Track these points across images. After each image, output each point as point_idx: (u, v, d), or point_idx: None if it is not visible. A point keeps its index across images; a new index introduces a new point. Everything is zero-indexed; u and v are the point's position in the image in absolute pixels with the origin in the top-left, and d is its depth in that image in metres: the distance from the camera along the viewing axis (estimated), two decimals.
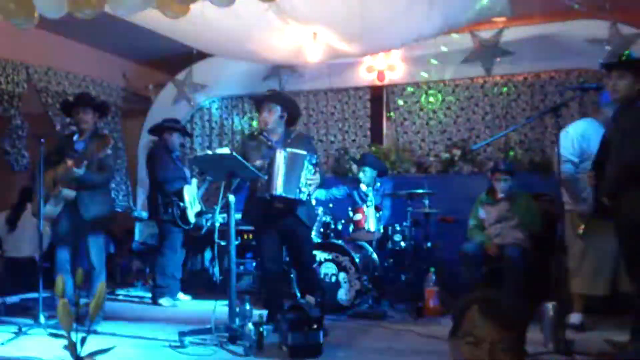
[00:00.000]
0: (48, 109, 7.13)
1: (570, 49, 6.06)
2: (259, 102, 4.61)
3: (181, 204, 5.79)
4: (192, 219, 5.86)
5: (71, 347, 1.65)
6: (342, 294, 5.22)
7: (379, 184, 5.97)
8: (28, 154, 6.81)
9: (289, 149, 4.35)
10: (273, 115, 4.49)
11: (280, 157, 4.31)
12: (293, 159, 4.32)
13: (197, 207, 6.00)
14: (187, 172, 6.08)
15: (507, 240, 5.14)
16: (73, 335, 1.68)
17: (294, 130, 4.69)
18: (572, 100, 5.88)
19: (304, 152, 4.33)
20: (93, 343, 2.05)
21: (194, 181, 6.05)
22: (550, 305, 3.87)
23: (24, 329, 4.35)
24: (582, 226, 4.30)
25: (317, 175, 4.36)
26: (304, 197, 4.33)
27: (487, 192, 5.40)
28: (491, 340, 1.60)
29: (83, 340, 1.65)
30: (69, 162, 4.54)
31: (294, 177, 4.30)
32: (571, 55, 6.11)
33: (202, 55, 7.12)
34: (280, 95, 4.66)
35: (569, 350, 3.58)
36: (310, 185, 4.33)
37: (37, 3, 3.69)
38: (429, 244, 5.61)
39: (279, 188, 4.29)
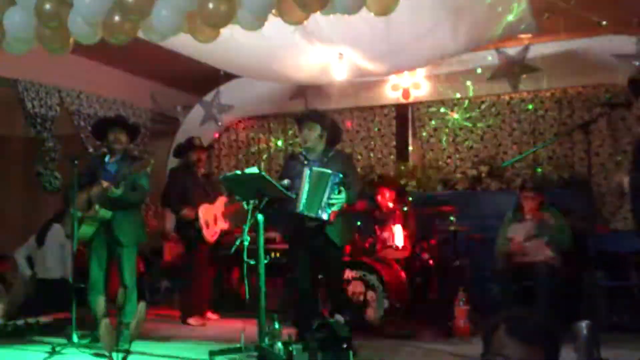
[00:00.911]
0: (80, 131, 7.28)
1: (597, 64, 6.02)
2: (300, 120, 4.69)
3: (196, 223, 5.83)
4: (210, 238, 5.89)
5: None
6: (371, 313, 5.20)
7: (410, 198, 5.96)
8: (60, 176, 6.94)
9: (314, 167, 4.39)
10: (312, 134, 4.56)
11: (305, 174, 4.36)
12: (317, 177, 4.35)
13: (222, 226, 6.03)
14: (212, 190, 6.13)
15: (537, 258, 5.08)
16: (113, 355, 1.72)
17: (334, 149, 4.72)
18: (601, 116, 5.81)
19: (329, 171, 4.35)
20: None
21: (221, 199, 6.09)
22: (583, 324, 3.81)
23: (57, 349, 4.41)
24: None
25: (343, 195, 4.37)
26: (326, 216, 4.34)
27: (515, 209, 5.36)
28: (519, 358, 1.59)
29: (126, 357, 1.69)
30: (105, 183, 4.63)
31: (316, 195, 4.33)
32: (598, 70, 6.07)
33: (229, 77, 7.23)
34: (319, 115, 4.71)
35: None
36: (333, 204, 4.35)
37: (72, 30, 3.81)
38: (457, 262, 5.57)
39: (300, 205, 4.34)
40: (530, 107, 6.59)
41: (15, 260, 6.49)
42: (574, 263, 5.15)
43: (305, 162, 4.55)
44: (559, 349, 1.74)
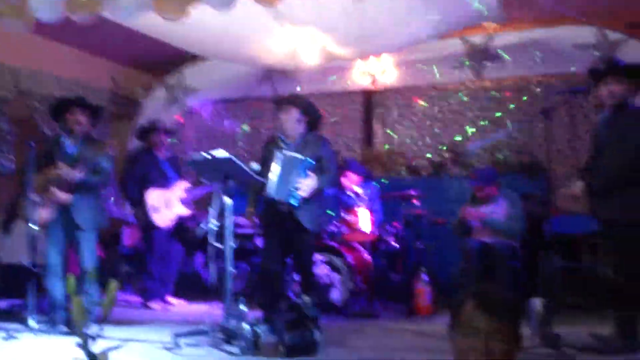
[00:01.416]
0: (35, 113, 7.07)
1: (558, 54, 6.16)
2: (278, 104, 4.67)
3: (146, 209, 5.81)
4: (161, 223, 5.83)
5: (84, 345, 1.66)
6: (336, 295, 5.24)
7: (374, 184, 5.98)
8: (14, 158, 6.75)
9: (286, 152, 4.39)
10: (290, 118, 4.53)
11: (278, 158, 4.36)
12: (289, 162, 4.36)
13: (178, 211, 5.94)
14: (172, 174, 6.05)
15: (496, 238, 5.20)
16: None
17: (313, 133, 4.68)
18: (563, 103, 5.94)
19: (300, 156, 4.35)
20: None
21: (182, 184, 6.01)
22: (537, 301, 3.98)
23: (13, 334, 4.32)
24: None
25: (312, 181, 4.38)
26: (295, 201, 4.35)
27: (472, 196, 5.44)
28: (487, 331, 1.65)
29: (95, 338, 1.66)
30: (63, 166, 4.51)
31: (287, 180, 4.34)
32: (558, 60, 6.21)
33: (193, 59, 7.13)
34: (298, 99, 4.67)
35: (557, 344, 3.67)
36: (301, 189, 4.35)
37: (34, 6, 3.69)
38: (420, 245, 5.67)
39: (271, 190, 4.35)
40: (493, 94, 6.71)
41: None
42: (531, 244, 5.30)
43: (283, 146, 4.53)
44: (521, 323, 1.82)
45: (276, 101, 4.82)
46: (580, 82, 5.88)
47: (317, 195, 4.47)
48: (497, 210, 5.24)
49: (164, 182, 5.94)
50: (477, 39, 6.44)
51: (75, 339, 1.76)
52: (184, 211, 5.97)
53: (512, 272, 4.93)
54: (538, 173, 6.13)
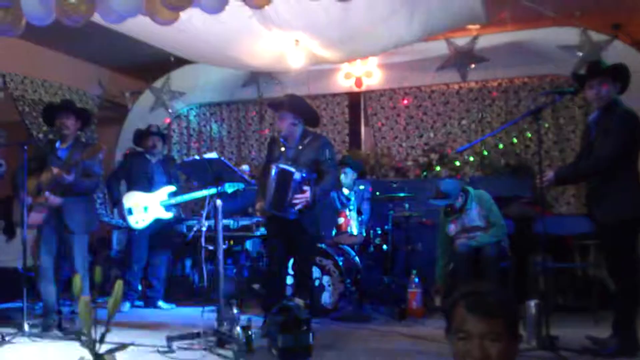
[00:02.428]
0: (25, 117, 7.04)
1: (542, 55, 6.24)
2: (273, 109, 4.77)
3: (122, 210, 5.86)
4: (134, 224, 5.85)
5: (90, 345, 1.66)
6: (326, 298, 5.25)
7: (361, 187, 6.00)
8: (4, 162, 6.69)
9: (280, 165, 4.41)
10: (285, 123, 4.56)
11: (273, 172, 4.39)
12: (282, 176, 4.38)
13: (156, 214, 5.91)
14: (161, 178, 6.03)
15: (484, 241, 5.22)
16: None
17: (312, 133, 4.68)
18: (551, 103, 5.97)
19: (292, 170, 4.36)
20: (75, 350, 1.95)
21: (167, 189, 5.98)
22: (532, 303, 3.99)
23: (7, 338, 4.28)
24: None
25: (307, 194, 4.37)
26: (291, 215, 4.38)
27: (445, 210, 5.45)
28: (480, 333, 1.62)
29: (102, 338, 1.67)
30: (55, 170, 4.52)
31: (282, 194, 4.37)
32: (543, 61, 6.29)
33: (179, 63, 7.13)
34: (291, 103, 4.64)
35: (553, 347, 3.69)
36: (297, 203, 4.37)
37: (26, 10, 3.67)
38: (409, 247, 5.70)
39: (268, 204, 4.41)
40: (479, 96, 6.77)
41: None
42: (520, 246, 5.35)
43: (282, 149, 4.57)
44: (518, 320, 1.79)
45: (270, 106, 4.84)
46: (566, 83, 5.98)
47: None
48: (473, 216, 5.24)
49: (148, 186, 5.95)
50: (461, 41, 6.50)
51: (68, 343, 1.76)
52: (164, 215, 5.95)
53: (502, 274, 4.96)
54: (527, 175, 6.17)
